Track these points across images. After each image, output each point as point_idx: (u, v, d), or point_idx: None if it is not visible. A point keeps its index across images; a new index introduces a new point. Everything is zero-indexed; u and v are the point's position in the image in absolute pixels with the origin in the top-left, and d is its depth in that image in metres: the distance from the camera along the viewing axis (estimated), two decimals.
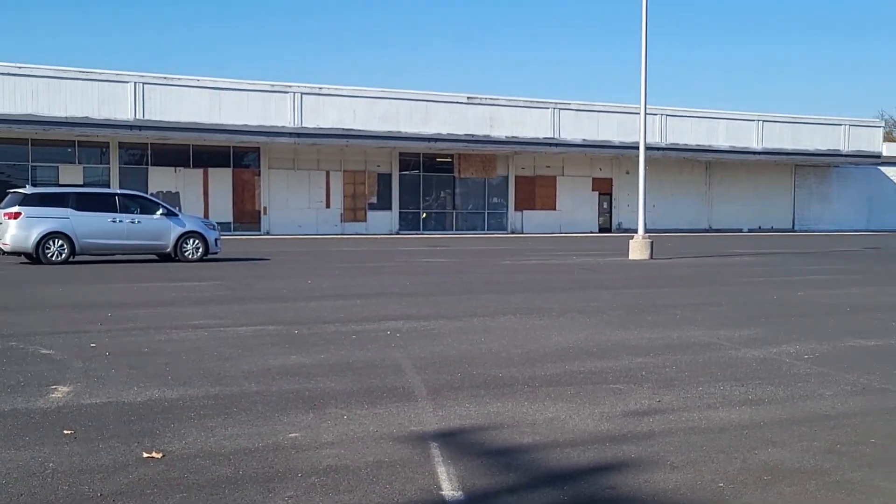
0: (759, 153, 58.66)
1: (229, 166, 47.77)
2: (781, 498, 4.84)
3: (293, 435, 5.93)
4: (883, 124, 69.63)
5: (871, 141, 61.60)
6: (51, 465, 5.18)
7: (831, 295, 16.14)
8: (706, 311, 13.43)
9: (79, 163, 44.56)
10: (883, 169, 66.55)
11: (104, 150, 45.01)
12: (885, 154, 63.35)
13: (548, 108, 53.11)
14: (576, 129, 53.33)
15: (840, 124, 60.61)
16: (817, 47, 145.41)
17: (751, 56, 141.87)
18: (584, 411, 6.72)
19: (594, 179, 58.12)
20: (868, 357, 9.32)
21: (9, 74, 41.31)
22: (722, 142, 57.34)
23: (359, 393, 7.24)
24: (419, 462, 5.37)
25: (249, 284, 17.34)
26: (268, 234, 47.74)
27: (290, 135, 46.09)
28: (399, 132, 48.61)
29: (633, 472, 5.23)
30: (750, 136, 58.24)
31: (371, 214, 51.57)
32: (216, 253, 24.24)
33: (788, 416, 6.64)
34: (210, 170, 47.12)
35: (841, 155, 60.80)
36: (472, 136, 50.52)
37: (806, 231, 63.27)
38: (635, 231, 30.41)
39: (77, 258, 22.82)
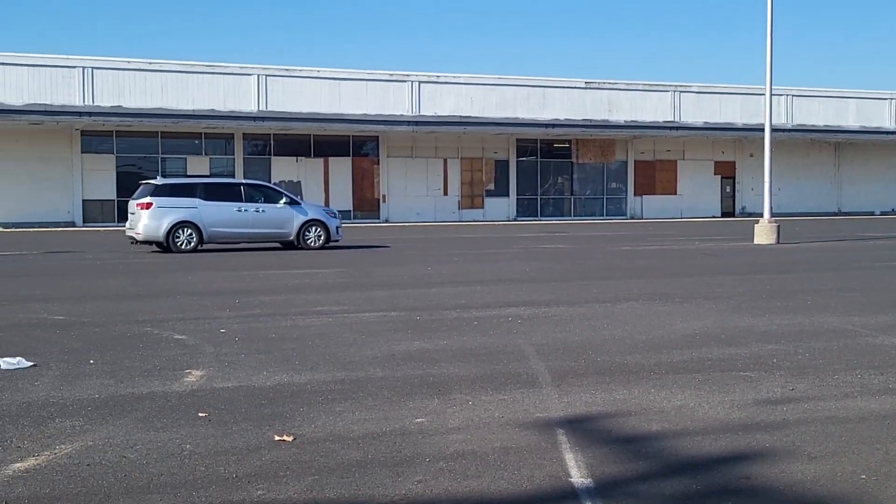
0: (892, 133, 56.30)
1: (349, 155, 48.49)
2: None
3: (419, 420, 5.97)
4: None
5: None
6: (188, 446, 5.34)
7: None
8: (839, 296, 12.98)
9: (205, 154, 45.91)
10: None
11: (229, 140, 46.26)
12: None
13: (668, 91, 52.20)
14: (697, 111, 52.27)
15: None
16: None
17: (882, 31, 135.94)
18: (714, 399, 6.56)
19: (716, 163, 56.82)
20: None
21: (140, 70, 42.85)
22: (852, 122, 55.29)
23: (483, 379, 7.25)
24: (546, 448, 5.33)
25: (370, 271, 17.57)
26: (386, 221, 48.30)
27: (409, 123, 46.50)
28: (516, 118, 48.50)
29: (768, 462, 5.07)
30: (882, 115, 55.99)
31: (488, 201, 51.61)
32: (337, 241, 24.64)
33: None
34: (330, 159, 47.91)
35: None
36: (590, 121, 50.01)
37: None
38: (760, 215, 29.62)
39: (205, 246, 23.51)
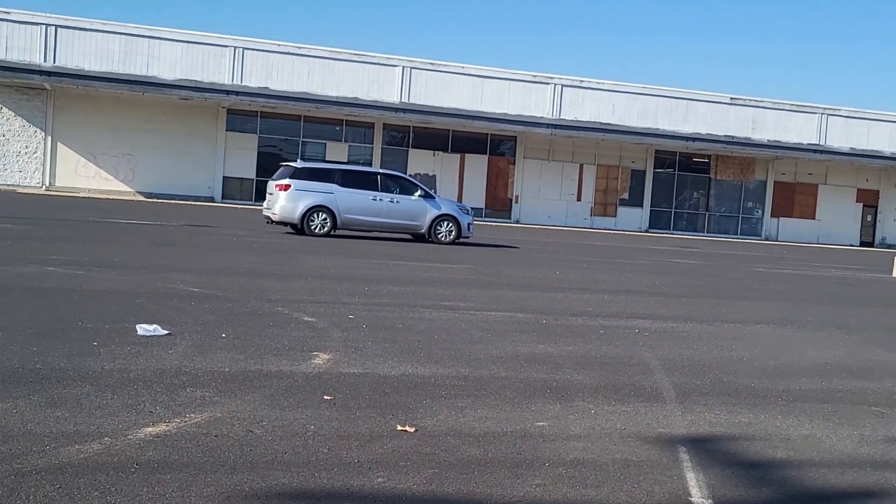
0: None
1: (485, 153, 48.73)
2: None
3: (541, 423, 5.98)
4: None
5: None
6: (312, 427, 5.48)
7: None
8: None
9: (345, 141, 46.84)
10: None
11: (369, 129, 47.07)
12: None
13: (815, 112, 50.63)
14: (844, 136, 50.56)
15: None
16: None
17: None
18: (843, 432, 6.37)
19: (859, 190, 54.85)
20: None
21: (289, 54, 43.98)
22: None
23: (606, 388, 7.21)
24: (667, 465, 5.28)
25: (499, 270, 17.64)
26: (517, 222, 48.36)
27: (548, 126, 46.43)
28: (657, 129, 47.88)
29: (895, 502, 4.92)
30: None
31: (621, 210, 51.10)
32: (468, 237, 24.78)
33: None
34: (467, 155, 48.24)
35: None
36: (732, 137, 48.97)
37: None
38: None
39: (338, 232, 23.99)
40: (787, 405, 7.11)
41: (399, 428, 5.59)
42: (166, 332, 8.10)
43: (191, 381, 6.38)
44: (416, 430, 5.56)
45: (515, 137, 48.74)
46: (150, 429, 5.19)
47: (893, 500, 4.98)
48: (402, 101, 44.68)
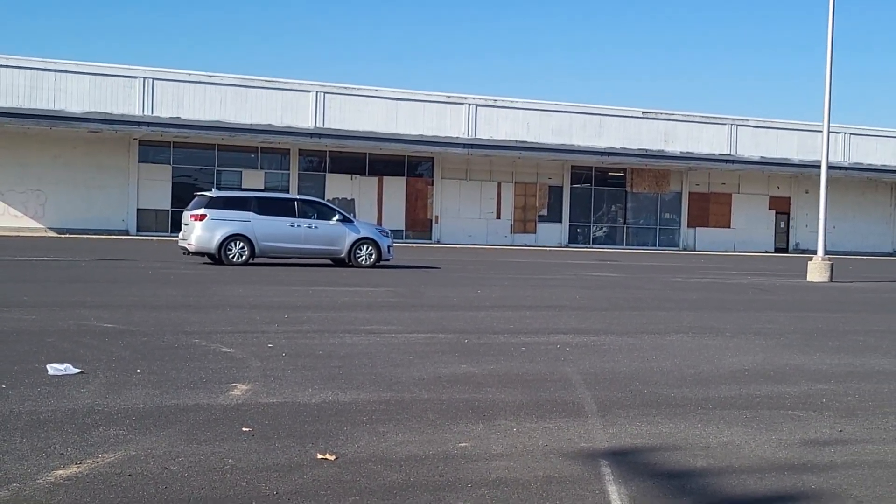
0: None
1: (403, 175, 48.79)
2: None
3: (463, 444, 5.94)
4: None
5: None
6: (230, 460, 5.35)
7: None
8: (891, 338, 12.74)
9: (261, 168, 46.47)
10: None
11: (285, 156, 46.79)
12: None
13: (725, 123, 51.86)
14: (753, 145, 51.89)
15: None
16: None
17: None
18: (761, 437, 6.46)
19: (771, 198, 56.29)
20: None
21: (200, 83, 43.55)
22: None
23: (528, 405, 7.20)
24: (589, 479, 5.28)
25: (420, 292, 17.60)
26: (438, 242, 48.45)
27: (464, 145, 46.69)
28: (572, 145, 48.50)
29: None
30: None
31: (541, 226, 51.57)
32: (388, 260, 24.71)
33: None
34: (385, 178, 48.24)
35: None
36: (646, 150, 49.86)
37: None
38: (813, 252, 29.26)
39: (256, 260, 23.71)
40: (707, 413, 7.19)
41: (319, 456, 5.49)
42: (78, 370, 7.87)
43: (104, 420, 6.19)
44: (336, 458, 5.47)
45: (433, 158, 48.90)
46: (60, 471, 5.01)
47: (811, 501, 5.05)
48: (317, 126, 44.53)
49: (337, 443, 5.83)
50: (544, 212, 51.83)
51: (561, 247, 50.68)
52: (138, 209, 44.56)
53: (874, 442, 6.47)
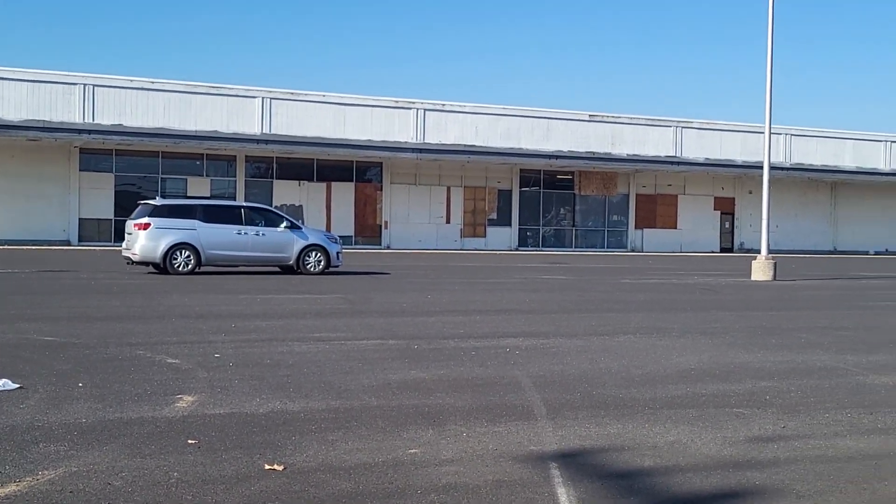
0: (887, 174, 56.64)
1: (352, 180, 48.62)
2: None
3: (413, 451, 5.92)
4: None
5: None
6: (175, 474, 5.27)
7: None
8: (833, 334, 12.96)
9: (206, 175, 46.02)
10: None
11: (231, 163, 46.38)
12: None
13: (670, 126, 52.42)
14: (698, 147, 52.49)
15: None
16: None
17: (879, 75, 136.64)
18: (707, 435, 6.53)
19: (716, 199, 57.02)
20: None
21: (143, 89, 43.02)
22: (848, 163, 55.65)
23: (478, 410, 7.20)
24: (538, 483, 5.29)
25: (370, 298, 17.54)
26: (388, 248, 48.36)
27: (413, 150, 46.67)
28: (520, 149, 48.69)
29: (758, 500, 5.06)
30: (877, 157, 56.39)
31: (490, 230, 51.69)
32: (337, 266, 24.60)
33: None
34: (333, 184, 48.04)
35: None
36: (594, 153, 50.22)
37: None
38: (757, 251, 29.67)
39: (202, 269, 23.46)
40: (654, 413, 7.25)
41: (267, 467, 5.44)
42: (17, 385, 7.69)
43: (44, 436, 6.06)
44: (284, 468, 5.42)
45: (381, 163, 48.80)
46: None
47: (755, 497, 5.12)
48: (264, 132, 44.22)
49: (285, 453, 5.78)
50: (494, 215, 51.99)
51: (511, 250, 50.84)
52: (80, 219, 43.82)
53: (815, 437, 6.58)
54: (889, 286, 25.40)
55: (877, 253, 59.49)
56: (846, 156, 55.61)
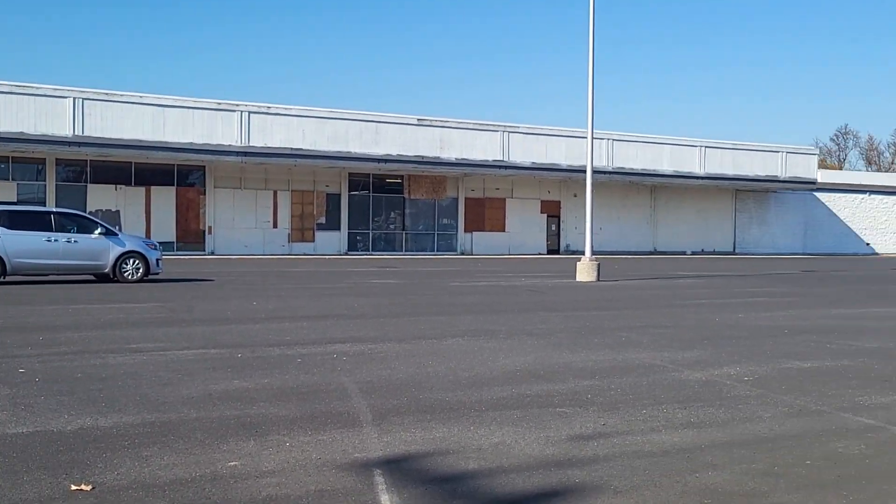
0: (702, 178, 59.54)
1: (173, 185, 47.19)
2: None
3: (233, 463, 5.71)
4: (817, 152, 71.42)
5: (807, 168, 63.03)
6: None
7: (770, 317, 16.26)
8: (651, 333, 13.41)
9: (12, 179, 43.72)
10: (818, 195, 68.16)
11: (40, 166, 44.21)
12: (819, 180, 64.79)
13: (497, 130, 53.30)
14: (525, 152, 53.57)
15: (778, 151, 61.89)
16: (758, 75, 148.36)
17: (694, 84, 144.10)
18: (531, 436, 6.58)
19: (543, 202, 58.44)
20: (804, 378, 9.34)
21: None
22: (666, 167, 58.06)
23: (302, 419, 7.03)
24: (362, 490, 5.19)
25: (192, 306, 17.00)
26: (212, 254, 47.19)
27: (237, 154, 45.68)
28: (348, 152, 48.43)
29: (578, 498, 5.12)
30: (693, 162, 59.06)
31: (319, 235, 51.25)
32: (157, 273, 23.79)
33: (729, 439, 6.61)
34: (153, 188, 46.49)
35: (778, 181, 62.07)
36: (422, 157, 50.51)
37: (746, 254, 64.26)
38: (583, 253, 30.49)
39: (9, 278, 22.22)
40: (480, 415, 7.26)
41: (73, 488, 5.12)
42: None
43: None
44: (93, 488, 5.11)
45: (204, 167, 47.58)
46: None
47: (575, 495, 5.18)
48: (76, 134, 42.23)
49: (94, 472, 5.47)
50: (322, 220, 51.57)
51: (340, 255, 50.56)
52: None
53: (633, 433, 6.75)
54: (703, 285, 26.62)
55: (693, 253, 62.47)
56: (664, 160, 58.02)
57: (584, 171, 30.80)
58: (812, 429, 7.01)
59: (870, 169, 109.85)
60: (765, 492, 5.31)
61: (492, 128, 53.28)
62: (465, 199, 55.77)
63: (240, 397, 7.88)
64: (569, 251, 57.81)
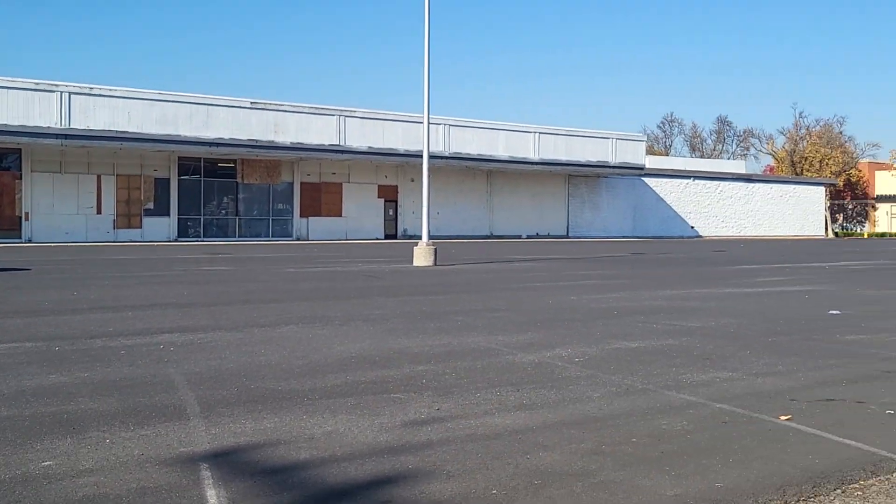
0: (536, 163, 60.86)
1: None
2: (551, 501, 4.83)
3: (46, 463, 5.39)
4: (645, 139, 74.25)
5: (636, 154, 65.40)
6: None
7: (600, 299, 16.70)
8: (486, 316, 13.54)
9: None
10: (646, 180, 70.91)
11: None
12: (647, 166, 67.41)
13: (333, 115, 52.91)
14: (361, 136, 53.41)
15: (608, 138, 63.93)
16: (590, 62, 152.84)
17: (529, 69, 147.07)
18: (364, 423, 6.50)
19: (380, 187, 58.45)
20: (632, 358, 9.60)
21: None
22: (502, 152, 59.04)
23: (125, 413, 6.72)
24: (187, 486, 4.98)
25: (4, 297, 16.09)
26: (30, 241, 45.05)
27: (56, 136, 43.67)
28: (178, 136, 47.06)
29: (410, 484, 5.07)
30: (528, 147, 60.29)
31: (147, 221, 49.65)
32: None
33: (559, 420, 6.70)
34: None
35: (609, 166, 64.13)
36: (256, 141, 49.62)
37: (579, 237, 66.23)
38: (420, 238, 30.63)
39: None
40: (313, 404, 7.12)
41: None
42: None
43: None
44: None
45: (20, 150, 45.27)
46: None
47: (407, 481, 5.12)
48: None
49: None
50: (151, 205, 49.96)
51: (170, 241, 49.12)
52: None
53: (467, 417, 6.75)
54: (537, 269, 27.16)
55: (528, 237, 63.88)
56: (500, 146, 58.98)
57: (421, 156, 30.92)
58: (638, 407, 7.20)
59: (694, 155, 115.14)
60: (593, 470, 5.40)
61: (328, 112, 52.86)
62: (301, 183, 55.16)
63: (56, 393, 7.47)
64: (406, 236, 58.05)
